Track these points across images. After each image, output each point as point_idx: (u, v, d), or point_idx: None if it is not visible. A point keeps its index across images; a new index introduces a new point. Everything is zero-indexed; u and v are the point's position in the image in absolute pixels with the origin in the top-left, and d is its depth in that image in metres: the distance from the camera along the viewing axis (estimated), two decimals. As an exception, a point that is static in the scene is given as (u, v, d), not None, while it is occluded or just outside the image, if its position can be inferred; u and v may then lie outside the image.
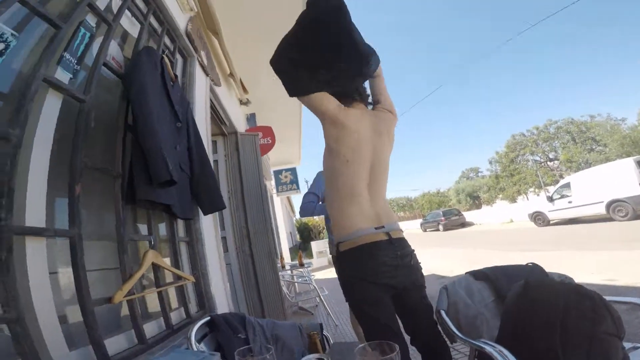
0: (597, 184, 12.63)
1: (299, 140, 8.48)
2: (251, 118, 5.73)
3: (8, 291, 0.90)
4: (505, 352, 1.17)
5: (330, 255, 1.84)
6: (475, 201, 39.88)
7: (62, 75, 1.28)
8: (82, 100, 1.34)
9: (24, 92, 1.07)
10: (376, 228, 1.52)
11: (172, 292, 1.96)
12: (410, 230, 32.98)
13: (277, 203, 12.67)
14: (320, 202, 3.03)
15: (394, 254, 1.50)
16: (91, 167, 1.35)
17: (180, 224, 2.13)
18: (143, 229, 1.80)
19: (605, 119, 28.94)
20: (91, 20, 1.51)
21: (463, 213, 28.49)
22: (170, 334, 1.66)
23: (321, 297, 5.00)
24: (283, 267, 6.29)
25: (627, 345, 1.37)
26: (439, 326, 1.55)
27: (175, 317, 1.84)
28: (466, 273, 1.79)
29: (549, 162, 32.91)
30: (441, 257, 10.49)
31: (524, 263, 1.80)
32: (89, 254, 1.23)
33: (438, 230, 26.58)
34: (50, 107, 1.21)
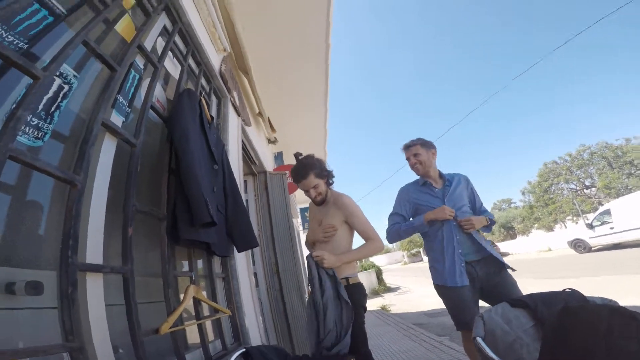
0: (639, 209, 12.39)
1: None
2: (278, 157, 5.89)
3: (73, 322, 0.99)
4: (546, 374, 1.15)
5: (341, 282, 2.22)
6: (509, 232, 38.71)
7: (117, 119, 1.37)
8: (133, 145, 1.45)
9: (86, 137, 1.17)
10: None
11: (208, 325, 2.03)
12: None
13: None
14: (411, 219, 2.68)
15: None
16: (140, 211, 1.46)
17: (216, 261, 2.24)
18: (183, 265, 1.91)
19: (642, 142, 27.74)
20: (139, 61, 1.62)
21: (497, 244, 27.67)
22: (209, 365, 1.73)
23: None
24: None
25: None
26: (477, 353, 1.56)
27: (212, 348, 1.90)
28: (503, 302, 1.78)
29: (585, 190, 31.61)
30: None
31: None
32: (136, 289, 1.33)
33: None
34: (107, 151, 1.31)
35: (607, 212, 14.13)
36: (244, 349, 1.62)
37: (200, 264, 2.10)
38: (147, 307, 1.53)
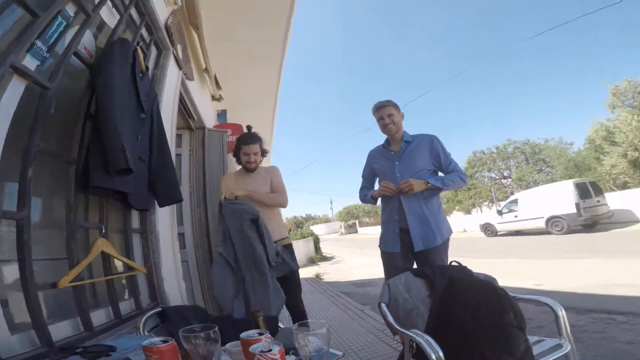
0: (540, 202, 14.27)
1: (270, 142, 8.54)
2: (222, 114, 5.72)
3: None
4: (431, 340, 1.32)
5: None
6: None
7: (30, 62, 1.27)
8: (46, 88, 1.33)
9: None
10: None
11: (123, 284, 1.96)
12: (373, 235, 33.40)
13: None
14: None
15: None
16: (45, 152, 1.35)
17: (134, 215, 2.13)
18: (93, 217, 1.79)
19: (556, 143, 30.68)
20: (70, 9, 1.50)
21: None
22: (119, 323, 1.67)
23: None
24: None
25: (533, 338, 1.54)
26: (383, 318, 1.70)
27: (125, 307, 1.84)
28: (408, 271, 1.94)
29: (503, 180, 34.33)
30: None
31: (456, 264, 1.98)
32: (36, 242, 1.23)
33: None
34: (12, 92, 1.20)
35: (515, 202, 15.86)
36: (161, 309, 1.61)
37: (116, 218, 1.99)
38: (49, 264, 1.43)
